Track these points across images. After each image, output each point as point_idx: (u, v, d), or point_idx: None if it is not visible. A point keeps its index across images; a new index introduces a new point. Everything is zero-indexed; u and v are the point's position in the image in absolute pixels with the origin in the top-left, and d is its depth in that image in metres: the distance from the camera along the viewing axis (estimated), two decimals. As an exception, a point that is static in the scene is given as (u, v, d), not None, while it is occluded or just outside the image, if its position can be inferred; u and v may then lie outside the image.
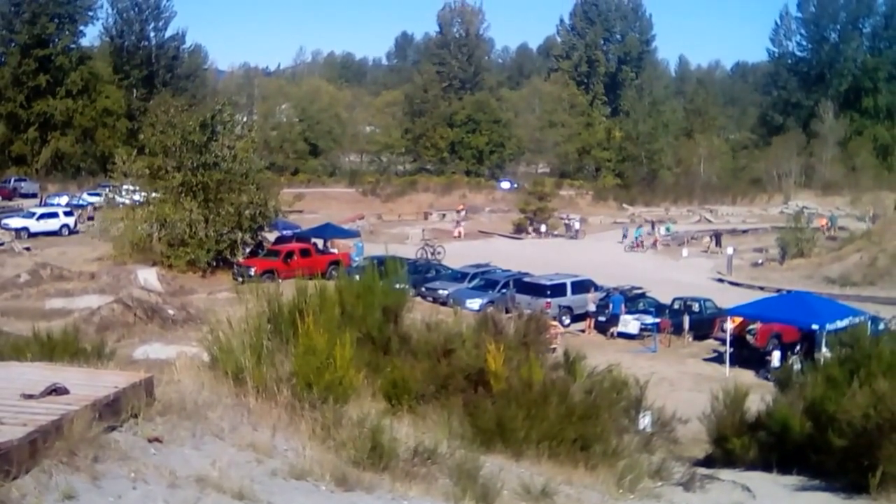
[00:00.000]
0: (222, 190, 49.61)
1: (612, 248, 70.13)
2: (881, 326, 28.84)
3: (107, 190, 57.98)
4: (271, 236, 55.23)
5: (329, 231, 58.51)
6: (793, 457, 14.92)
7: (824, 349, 28.67)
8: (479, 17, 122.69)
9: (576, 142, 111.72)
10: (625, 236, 73.23)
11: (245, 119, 74.97)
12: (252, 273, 43.02)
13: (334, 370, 10.80)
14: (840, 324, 31.66)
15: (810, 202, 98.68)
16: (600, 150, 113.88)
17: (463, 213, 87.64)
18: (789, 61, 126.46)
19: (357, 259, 47.97)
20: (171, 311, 35.91)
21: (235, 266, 47.87)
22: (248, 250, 51.10)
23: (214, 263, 49.19)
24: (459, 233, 77.79)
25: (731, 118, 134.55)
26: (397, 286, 14.23)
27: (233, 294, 27.54)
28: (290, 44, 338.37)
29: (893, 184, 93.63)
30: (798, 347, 34.04)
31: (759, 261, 65.51)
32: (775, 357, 33.33)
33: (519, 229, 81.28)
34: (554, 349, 20.98)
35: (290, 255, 47.48)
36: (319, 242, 55.46)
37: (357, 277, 14.31)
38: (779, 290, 48.58)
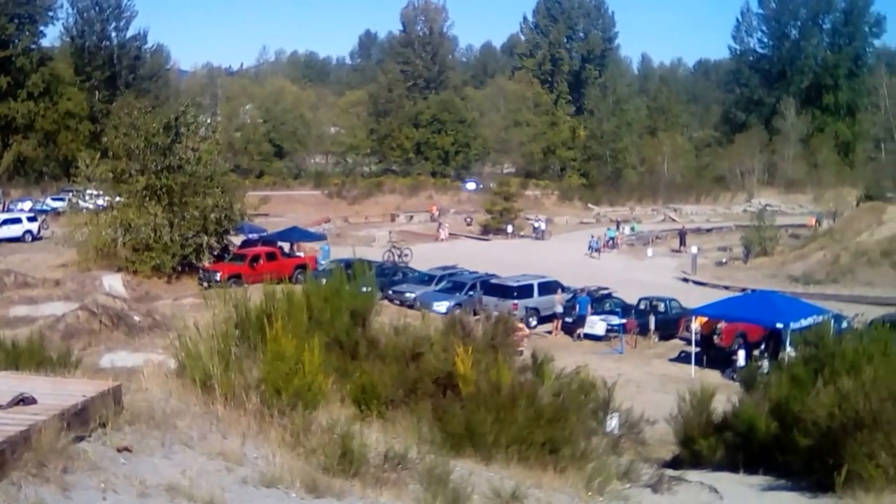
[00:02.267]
0: (187, 193, 49.22)
1: (578, 249, 70.25)
2: (845, 325, 29.13)
3: (70, 195, 57.42)
4: (237, 240, 54.91)
5: (295, 234, 58.34)
6: (759, 457, 15.03)
7: (789, 348, 28.90)
8: (442, 15, 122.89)
9: (541, 141, 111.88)
10: (592, 248, 71.56)
11: (209, 120, 74.45)
12: (218, 278, 42.90)
13: (303, 376, 10.78)
14: (804, 322, 31.93)
15: (773, 200, 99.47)
16: (565, 149, 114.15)
17: (438, 213, 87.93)
18: (751, 58, 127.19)
19: (324, 262, 47.83)
20: (136, 318, 35.65)
21: (201, 271, 47.57)
22: (213, 255, 50.75)
23: (180, 268, 48.81)
24: (442, 235, 77.87)
25: (695, 116, 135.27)
26: (365, 289, 14.23)
27: (199, 299, 27.47)
28: (253, 43, 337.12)
29: (855, 180, 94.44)
30: (763, 347, 34.26)
31: (724, 260, 65.95)
32: (741, 357, 33.52)
33: (485, 230, 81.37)
34: (521, 351, 21.04)
35: (256, 259, 47.24)
36: (286, 246, 55.23)
37: (324, 281, 14.27)
38: (743, 289, 48.94)
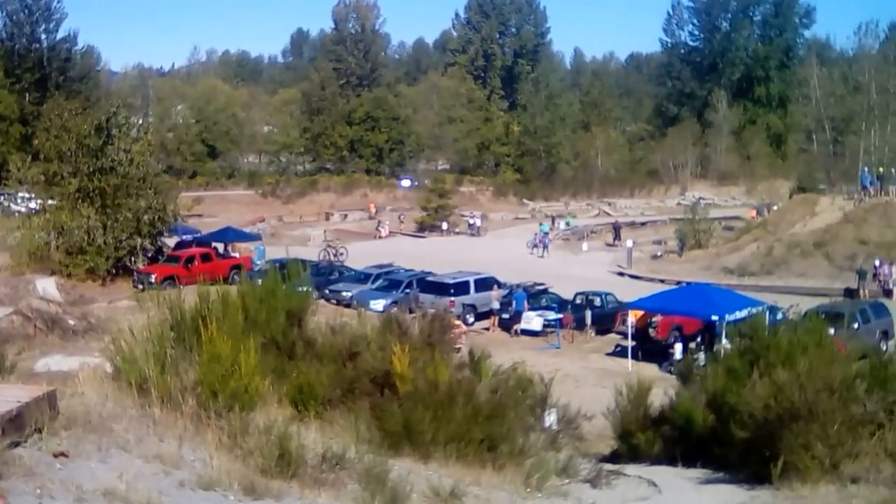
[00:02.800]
0: (120, 195, 48.60)
1: (514, 245, 70.49)
2: (779, 316, 29.53)
3: (2, 198, 56.53)
4: (171, 242, 54.37)
5: (229, 235, 57.90)
6: (697, 450, 15.14)
7: (724, 340, 29.22)
8: (374, 12, 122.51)
9: (475, 137, 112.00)
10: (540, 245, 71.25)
11: (140, 121, 73.50)
12: (152, 280, 42.50)
13: (239, 377, 10.70)
14: (739, 314, 32.33)
15: (707, 193, 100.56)
16: (499, 145, 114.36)
17: (377, 211, 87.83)
18: (682, 51, 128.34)
19: (259, 262, 47.42)
20: (71, 322, 35.18)
21: (135, 273, 47.00)
22: (148, 257, 50.19)
23: (114, 271, 48.15)
24: (383, 233, 77.63)
25: (627, 110, 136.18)
26: (300, 289, 14.15)
27: (134, 302, 27.17)
28: (184, 43, 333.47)
29: (788, 172, 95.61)
30: (699, 339, 34.59)
31: (659, 253, 66.57)
32: (677, 350, 33.80)
33: (421, 228, 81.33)
34: (459, 349, 21.04)
35: (190, 260, 46.77)
36: (220, 246, 54.77)
37: (259, 282, 14.16)
38: (678, 282, 49.37)
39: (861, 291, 49.32)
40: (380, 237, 76.25)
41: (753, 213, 78.11)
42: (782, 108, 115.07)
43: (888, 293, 48.93)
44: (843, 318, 34.39)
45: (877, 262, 51.61)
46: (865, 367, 14.08)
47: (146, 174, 50.73)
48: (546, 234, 73.58)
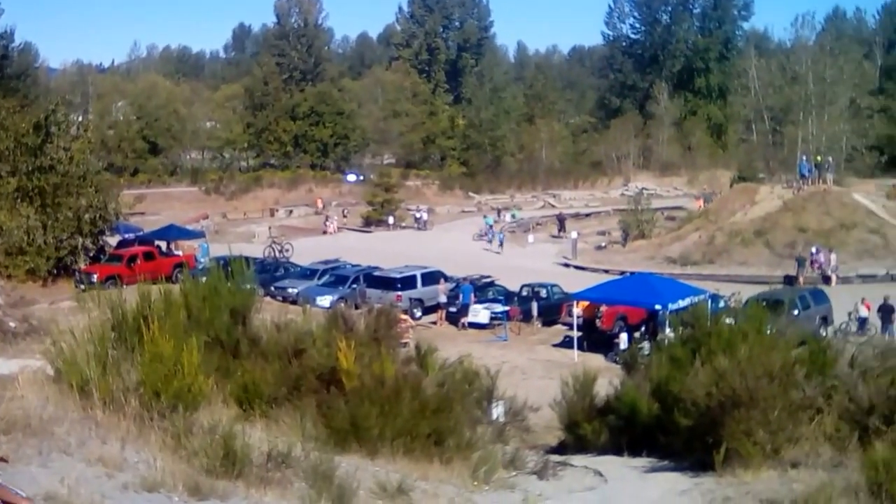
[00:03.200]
0: (60, 194, 47.90)
1: (460, 238, 70.58)
2: (721, 304, 29.84)
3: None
4: (113, 240, 53.74)
5: (172, 232, 57.30)
6: (642, 439, 15.27)
7: (667, 329, 29.47)
8: (316, 6, 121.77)
9: (420, 131, 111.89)
10: (487, 235, 70.88)
11: (80, 119, 72.68)
12: (94, 280, 41.90)
13: (182, 377, 10.64)
14: (682, 303, 32.62)
15: (649, 183, 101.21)
16: (444, 138, 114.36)
17: (324, 206, 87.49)
18: (624, 44, 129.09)
19: (202, 260, 47.05)
20: (11, 324, 34.54)
21: (77, 273, 46.37)
22: (89, 256, 49.56)
23: (55, 271, 47.44)
24: (331, 229, 77.34)
25: (571, 102, 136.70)
26: (244, 287, 14.07)
27: (76, 302, 26.80)
28: (124, 38, 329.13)
29: (728, 162, 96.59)
30: (643, 329, 34.86)
31: (603, 244, 66.98)
32: (623, 339, 34.06)
33: (367, 222, 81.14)
34: (406, 343, 21.03)
35: (133, 259, 46.25)
36: (163, 245, 54.22)
37: (203, 280, 14.06)
38: (622, 273, 49.71)
39: (800, 278, 49.98)
40: (328, 232, 75.87)
41: (700, 202, 78.70)
42: (722, 98, 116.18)
43: (826, 279, 49.61)
44: (784, 305, 34.84)
45: (813, 250, 52.30)
46: (805, 353, 14.27)
47: (87, 172, 50.05)
48: (490, 226, 73.66)
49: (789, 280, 49.82)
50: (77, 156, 49.62)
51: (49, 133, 48.65)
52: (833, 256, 51.22)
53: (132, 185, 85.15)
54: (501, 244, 65.48)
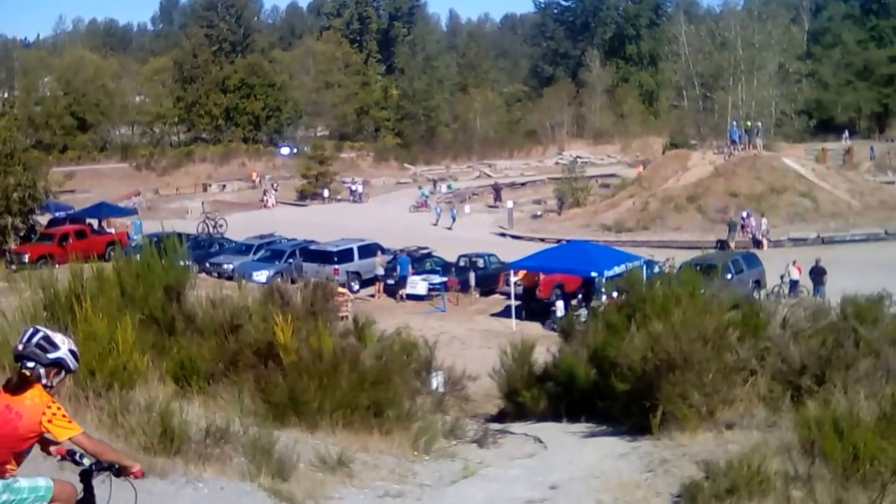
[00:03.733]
0: (-14, 173, 47.04)
1: (396, 210, 70.51)
2: (656, 270, 30.13)
3: None
4: (44, 219, 52.86)
5: (104, 210, 56.43)
6: (580, 405, 15.43)
7: (603, 296, 29.73)
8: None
9: (353, 102, 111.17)
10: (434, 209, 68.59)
11: (6, 95, 71.39)
12: (26, 260, 41.24)
13: (117, 355, 10.59)
14: (617, 270, 32.87)
15: (583, 151, 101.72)
16: (378, 109, 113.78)
17: (260, 179, 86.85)
18: (555, 11, 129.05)
19: (135, 238, 46.36)
20: (-60, 305, 34.03)
21: (8, 253, 45.56)
22: (20, 236, 48.69)
23: (-16, 253, 46.75)
24: (270, 203, 76.75)
25: (504, 71, 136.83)
26: (178, 263, 13.96)
27: (6, 283, 26.40)
28: (49, 12, 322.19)
29: (660, 129, 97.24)
30: (580, 296, 35.11)
31: (539, 212, 67.23)
32: (559, 307, 34.30)
33: (302, 196, 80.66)
34: (345, 316, 21.03)
35: (65, 237, 45.50)
36: (95, 223, 53.41)
37: (136, 257, 13.93)
38: (558, 241, 49.96)
39: (731, 243, 50.63)
40: (267, 206, 75.35)
41: (640, 168, 79.14)
42: (653, 65, 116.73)
43: (757, 244, 50.28)
44: (717, 269, 35.23)
45: (744, 214, 52.95)
46: (738, 316, 14.47)
47: (14, 150, 48.99)
48: (426, 197, 73.59)
49: (721, 245, 50.40)
50: (3, 133, 48.59)
51: (-27, 111, 47.68)
52: (764, 221, 51.89)
53: (61, 162, 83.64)
54: (454, 219, 64.27)
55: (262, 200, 77.39)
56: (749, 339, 13.43)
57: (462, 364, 19.80)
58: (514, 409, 18.17)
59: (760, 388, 12.79)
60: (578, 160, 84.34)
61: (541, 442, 14.35)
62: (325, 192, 79.88)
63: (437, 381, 17.62)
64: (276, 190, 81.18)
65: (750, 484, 8.87)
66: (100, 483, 6.53)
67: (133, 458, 6.67)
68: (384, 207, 72.39)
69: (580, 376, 16.04)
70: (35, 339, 5.98)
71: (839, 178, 62.69)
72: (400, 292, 40.78)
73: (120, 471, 6.24)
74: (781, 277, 38.81)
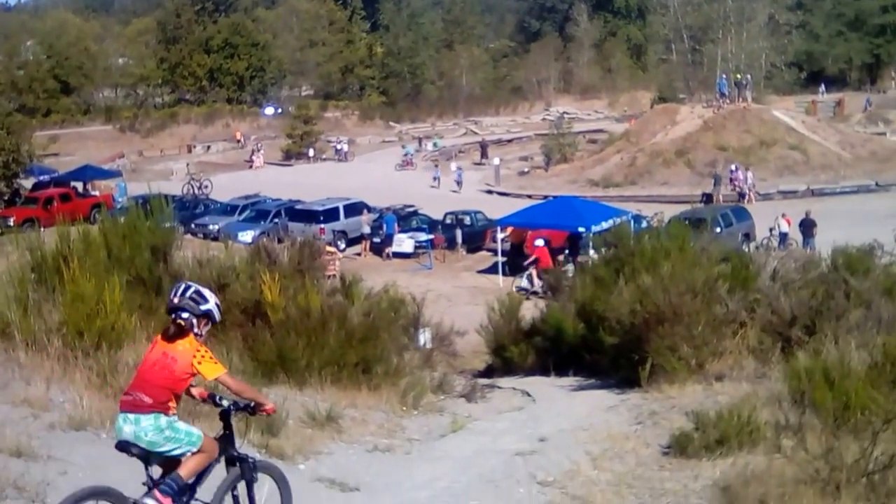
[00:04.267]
0: (-30, 138, 46.77)
1: (382, 169, 70.33)
2: (644, 224, 30.11)
3: None
4: (28, 183, 52.68)
5: (88, 173, 56.07)
6: (568, 359, 15.46)
7: (591, 251, 29.69)
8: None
9: (338, 61, 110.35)
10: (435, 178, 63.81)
11: (-12, 60, 70.85)
12: (11, 223, 41.06)
13: (105, 316, 10.60)
14: (605, 225, 32.82)
15: (570, 107, 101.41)
16: (363, 67, 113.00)
17: (248, 139, 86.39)
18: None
19: (121, 200, 46.10)
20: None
21: (-8, 218, 45.41)
22: (4, 200, 48.50)
23: (-30, 218, 46.55)
24: (258, 163, 76.36)
25: (490, 26, 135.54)
26: (164, 225, 13.90)
27: (-8, 247, 26.34)
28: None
29: (648, 83, 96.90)
30: (567, 252, 35.09)
31: (525, 169, 67.06)
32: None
33: (287, 155, 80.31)
34: (333, 275, 20.96)
35: (49, 201, 45.26)
36: (79, 186, 53.17)
37: (122, 219, 13.87)
38: (546, 197, 49.88)
39: (716, 196, 50.63)
40: (255, 167, 75.01)
41: (632, 121, 78.76)
42: (641, 18, 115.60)
43: (742, 196, 50.26)
44: (706, 223, 35.26)
45: (732, 167, 52.84)
46: (727, 268, 14.46)
47: (-4, 114, 48.95)
48: (411, 155, 73.20)
49: (707, 198, 50.42)
50: (-14, 98, 48.44)
51: (-45, 75, 47.36)
52: (749, 175, 51.76)
53: (45, 125, 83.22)
54: (460, 184, 60.28)
55: (250, 161, 76.99)
56: (738, 292, 13.43)
57: (449, 320, 19.82)
58: (502, 364, 18.22)
59: (750, 340, 12.81)
60: (565, 116, 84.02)
61: (529, 396, 14.39)
62: (311, 152, 79.49)
63: (424, 338, 17.63)
64: (260, 150, 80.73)
65: (740, 434, 8.90)
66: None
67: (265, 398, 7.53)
68: (370, 166, 72.14)
69: (568, 331, 16.05)
70: (188, 293, 6.96)
71: (829, 130, 62.64)
72: (386, 250, 40.75)
73: (254, 408, 7.18)
74: (770, 230, 38.89)
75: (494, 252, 38.06)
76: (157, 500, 6.55)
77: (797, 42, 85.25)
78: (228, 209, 46.92)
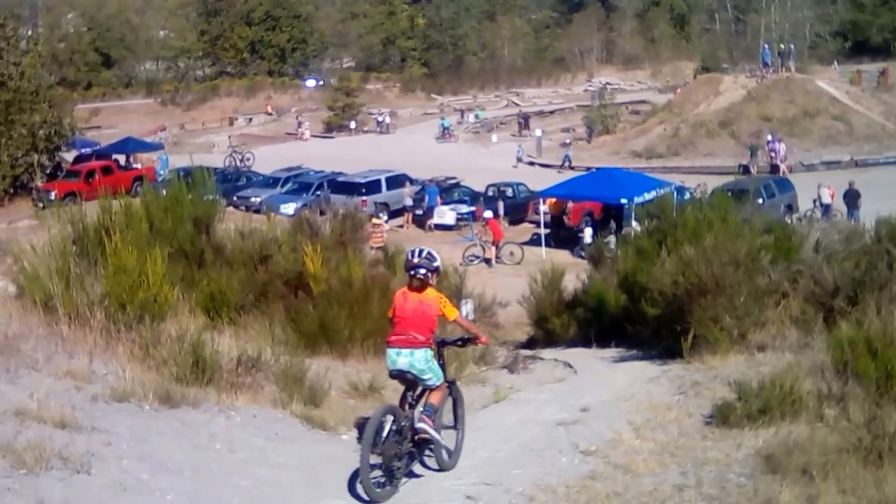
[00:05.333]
0: (12, 111, 47.01)
1: (424, 141, 70.26)
2: (687, 196, 29.93)
3: None
4: (70, 156, 53.03)
5: (130, 146, 56.33)
6: (610, 330, 15.41)
7: (634, 222, 29.55)
8: None
9: (379, 32, 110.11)
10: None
11: (30, 32, 71.11)
12: (53, 197, 41.36)
13: (147, 288, 10.63)
14: (648, 196, 32.64)
15: (613, 78, 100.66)
16: (404, 39, 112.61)
17: (293, 111, 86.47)
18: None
19: (162, 173, 46.35)
20: (-31, 245, 34.21)
21: (35, 191, 45.74)
22: (46, 173, 48.89)
23: (12, 190, 46.97)
24: (306, 135, 76.54)
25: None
26: (206, 197, 13.96)
27: (35, 221, 26.55)
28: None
29: (692, 54, 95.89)
30: (611, 223, 34.95)
31: (567, 140, 66.68)
32: (587, 234, 34.12)
33: (329, 128, 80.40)
34: (381, 246, 21.03)
35: (91, 174, 45.55)
36: (121, 158, 53.44)
37: (164, 192, 13.95)
38: (588, 169, 49.64)
39: (752, 168, 50.17)
40: (303, 139, 75.17)
41: (678, 91, 77.91)
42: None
43: (775, 168, 49.74)
44: (749, 193, 35.01)
45: (769, 137, 52.29)
46: (770, 239, 14.35)
47: (39, 87, 49.18)
48: (447, 128, 72.91)
49: (744, 169, 49.97)
50: (28, 71, 48.69)
51: (-2, 49, 47.65)
52: (782, 146, 51.16)
53: (86, 98, 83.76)
54: (520, 160, 59.63)
55: (298, 133, 77.06)
56: (781, 263, 13.35)
57: (491, 292, 19.81)
58: (544, 335, 18.19)
59: (793, 311, 12.72)
60: (608, 87, 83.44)
61: (571, 367, 14.37)
62: (352, 124, 79.56)
63: (466, 309, 17.63)
64: (300, 122, 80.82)
65: (783, 404, 8.83)
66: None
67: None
68: (411, 138, 72.06)
69: (610, 302, 16.02)
70: (423, 254, 8.77)
71: (873, 100, 61.73)
72: (428, 222, 40.76)
73: (465, 342, 9.42)
74: (814, 201, 38.49)
75: (537, 224, 37.96)
76: (424, 422, 8.51)
77: (841, 11, 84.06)
78: (271, 181, 47.05)
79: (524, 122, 74.83)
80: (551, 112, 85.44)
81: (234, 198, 41.91)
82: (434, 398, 8.75)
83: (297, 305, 12.88)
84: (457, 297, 17.49)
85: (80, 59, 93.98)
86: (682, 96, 67.04)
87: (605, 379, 12.76)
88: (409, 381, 8.66)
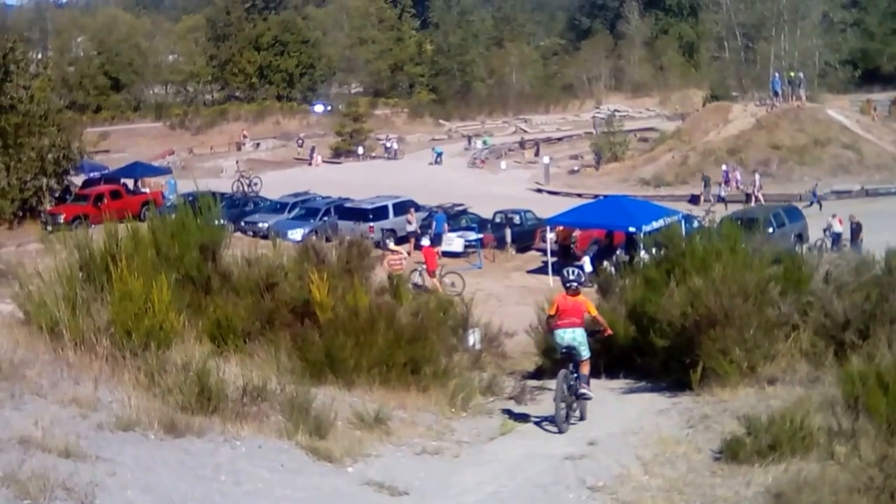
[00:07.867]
0: (21, 134, 47.18)
1: (431, 167, 70.31)
2: (695, 224, 29.81)
3: None
4: (78, 180, 53.15)
5: (139, 170, 56.54)
6: (619, 361, 15.31)
7: (642, 251, 29.42)
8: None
9: (387, 58, 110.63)
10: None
11: (39, 56, 71.47)
12: (61, 220, 41.43)
13: (153, 315, 10.54)
14: (656, 225, 32.53)
15: (621, 105, 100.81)
16: (413, 65, 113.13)
17: (300, 137, 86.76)
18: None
19: (171, 197, 46.44)
20: (-23, 269, 34.24)
21: (43, 214, 45.88)
22: (55, 197, 48.99)
23: (21, 213, 47.05)
24: (317, 161, 76.71)
25: (540, 24, 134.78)
26: (213, 222, 13.90)
27: (43, 244, 26.55)
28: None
29: (700, 81, 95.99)
30: (619, 251, 34.81)
31: (576, 168, 66.73)
32: (585, 262, 33.72)
33: (336, 153, 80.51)
34: (400, 274, 20.93)
35: (99, 198, 45.57)
36: (130, 183, 53.59)
37: (171, 216, 13.88)
38: (596, 196, 49.60)
39: (704, 197, 50.98)
40: (315, 165, 75.36)
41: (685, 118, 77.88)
42: (693, 16, 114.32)
43: (748, 197, 49.95)
44: (758, 223, 34.89)
45: (724, 168, 53.27)
46: (780, 270, 14.27)
47: (48, 111, 49.37)
48: (440, 155, 73.04)
49: (694, 199, 50.83)
50: (38, 94, 48.90)
51: (8, 72, 47.87)
52: (757, 177, 51.38)
53: (95, 122, 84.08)
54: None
55: (311, 160, 77.22)
56: (791, 294, 13.26)
57: (499, 321, 19.71)
58: (552, 365, 18.05)
59: (803, 343, 12.62)
60: (616, 114, 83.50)
61: (579, 398, 14.27)
62: (360, 150, 79.64)
63: (473, 338, 17.55)
64: (300, 145, 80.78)
65: (793, 439, 8.75)
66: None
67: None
68: (419, 164, 72.13)
69: (619, 332, 15.89)
70: (575, 273, 12.84)
71: (884, 129, 61.72)
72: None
73: (599, 332, 12.97)
74: (824, 231, 38.41)
75: (544, 252, 37.89)
76: (584, 388, 12.28)
77: (851, 40, 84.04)
78: (278, 207, 47.04)
79: (524, 147, 74.94)
80: (559, 139, 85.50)
81: (242, 223, 41.97)
82: (585, 368, 12.39)
83: (304, 333, 12.79)
84: (463, 326, 17.43)
85: (89, 83, 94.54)
86: (691, 124, 67.01)
87: (614, 410, 12.70)
88: (571, 355, 12.27)
